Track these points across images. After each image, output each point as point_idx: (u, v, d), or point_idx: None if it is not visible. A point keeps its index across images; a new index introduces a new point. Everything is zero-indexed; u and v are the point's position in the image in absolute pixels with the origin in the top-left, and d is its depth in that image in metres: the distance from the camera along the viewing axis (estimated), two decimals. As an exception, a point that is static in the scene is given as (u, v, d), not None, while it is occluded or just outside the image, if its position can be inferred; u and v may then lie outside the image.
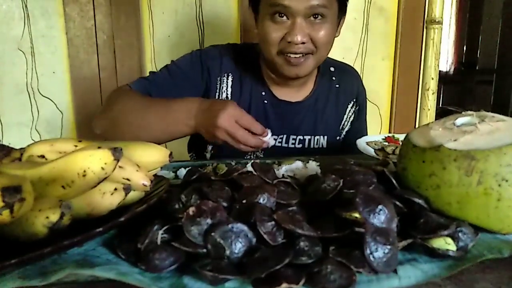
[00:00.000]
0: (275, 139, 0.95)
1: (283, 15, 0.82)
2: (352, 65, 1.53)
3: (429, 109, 1.23)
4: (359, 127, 1.11)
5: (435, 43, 1.20)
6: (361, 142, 0.82)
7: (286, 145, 1.00)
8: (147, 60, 1.43)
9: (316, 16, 0.82)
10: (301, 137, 1.01)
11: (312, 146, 1.01)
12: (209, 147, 1.01)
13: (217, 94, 0.96)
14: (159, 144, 0.82)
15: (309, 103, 1.01)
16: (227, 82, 0.96)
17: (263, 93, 0.98)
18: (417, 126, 1.51)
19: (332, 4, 0.84)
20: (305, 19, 0.82)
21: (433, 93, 1.23)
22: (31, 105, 1.38)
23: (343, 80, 1.05)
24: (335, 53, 1.52)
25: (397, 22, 1.53)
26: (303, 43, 0.83)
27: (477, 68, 3.10)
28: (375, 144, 0.81)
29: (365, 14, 1.51)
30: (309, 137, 1.01)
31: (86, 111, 1.40)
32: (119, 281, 0.34)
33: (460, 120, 0.49)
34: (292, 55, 0.85)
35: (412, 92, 1.57)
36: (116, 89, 0.91)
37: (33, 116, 1.39)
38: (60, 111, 1.40)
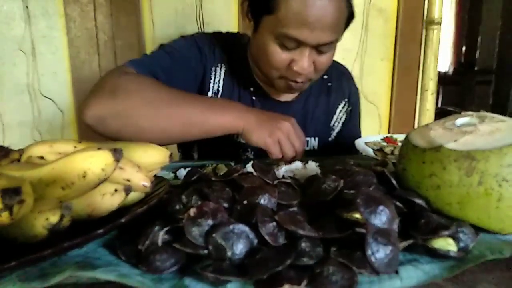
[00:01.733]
0: None
1: (290, 46, 0.76)
2: (351, 66, 1.55)
3: (428, 110, 1.23)
4: (352, 132, 1.06)
5: (434, 43, 1.20)
6: (360, 143, 0.82)
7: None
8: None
9: (324, 49, 0.79)
10: None
11: None
12: (195, 147, 0.98)
13: (211, 84, 0.90)
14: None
15: (300, 103, 0.97)
16: (220, 73, 0.91)
17: (252, 89, 0.93)
18: (416, 126, 1.51)
19: (341, 32, 0.81)
20: (313, 48, 0.78)
21: (432, 94, 1.23)
22: (32, 106, 1.38)
23: (335, 79, 1.02)
24: (335, 54, 1.52)
25: (397, 22, 1.53)
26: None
27: (476, 68, 3.11)
28: (373, 144, 0.81)
29: (364, 14, 1.52)
30: None
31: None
32: (120, 283, 0.33)
33: (460, 121, 0.49)
34: (293, 84, 0.82)
35: (411, 93, 1.57)
36: (116, 71, 0.76)
37: (34, 117, 1.39)
38: (61, 111, 1.40)
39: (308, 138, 0.98)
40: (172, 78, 0.80)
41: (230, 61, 0.92)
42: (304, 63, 0.77)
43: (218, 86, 0.91)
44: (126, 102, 0.67)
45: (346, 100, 1.03)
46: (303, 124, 0.96)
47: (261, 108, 0.93)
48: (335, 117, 1.03)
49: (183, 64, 0.84)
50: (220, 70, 0.91)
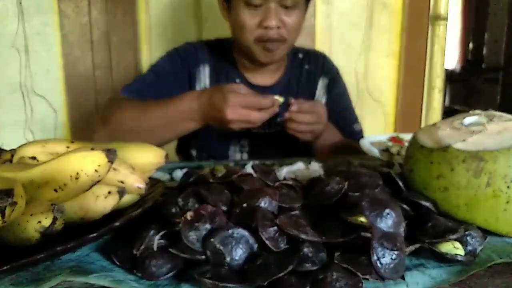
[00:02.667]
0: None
1: (256, 2, 0.87)
2: (355, 62, 1.53)
3: (435, 108, 1.21)
4: (341, 101, 1.14)
5: (441, 39, 1.18)
6: (365, 143, 0.80)
7: (269, 131, 1.05)
8: (144, 57, 1.41)
9: (288, 4, 0.88)
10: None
11: None
12: (191, 143, 1.07)
13: (197, 84, 1.03)
14: (164, 144, 0.87)
15: (282, 85, 1.07)
16: (204, 72, 1.04)
17: (238, 80, 1.04)
18: (422, 125, 1.49)
19: None
20: (278, 6, 0.88)
21: (439, 92, 1.21)
22: (25, 104, 1.36)
23: (311, 61, 1.13)
24: (338, 50, 1.50)
25: (402, 17, 1.51)
26: (278, 27, 0.89)
27: (483, 66, 3.07)
28: (379, 144, 0.79)
29: (368, 9, 1.49)
30: None
31: (80, 110, 1.38)
32: (114, 289, 0.32)
33: (468, 120, 0.48)
34: (268, 44, 0.91)
35: (417, 90, 1.54)
36: (109, 100, 0.96)
37: (26, 116, 1.37)
38: (54, 110, 1.38)
39: None
40: (158, 91, 0.94)
41: (215, 60, 1.05)
42: (271, 17, 0.87)
43: (205, 83, 1.04)
44: (113, 125, 0.86)
45: (324, 73, 1.14)
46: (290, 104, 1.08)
47: None
48: (317, 92, 1.12)
49: (165, 76, 0.99)
50: (204, 69, 1.04)
